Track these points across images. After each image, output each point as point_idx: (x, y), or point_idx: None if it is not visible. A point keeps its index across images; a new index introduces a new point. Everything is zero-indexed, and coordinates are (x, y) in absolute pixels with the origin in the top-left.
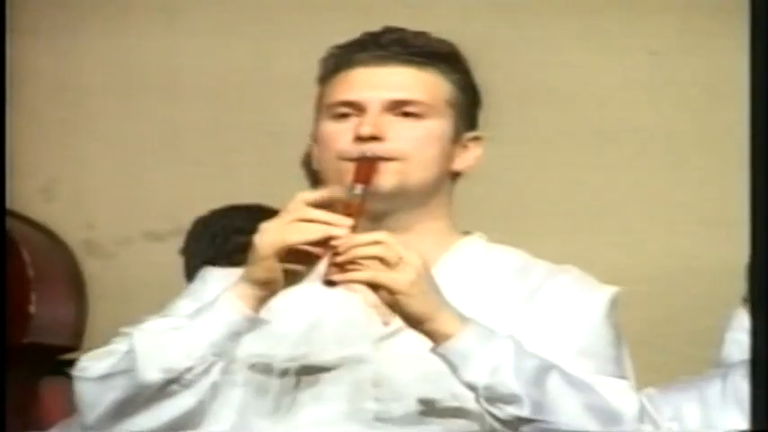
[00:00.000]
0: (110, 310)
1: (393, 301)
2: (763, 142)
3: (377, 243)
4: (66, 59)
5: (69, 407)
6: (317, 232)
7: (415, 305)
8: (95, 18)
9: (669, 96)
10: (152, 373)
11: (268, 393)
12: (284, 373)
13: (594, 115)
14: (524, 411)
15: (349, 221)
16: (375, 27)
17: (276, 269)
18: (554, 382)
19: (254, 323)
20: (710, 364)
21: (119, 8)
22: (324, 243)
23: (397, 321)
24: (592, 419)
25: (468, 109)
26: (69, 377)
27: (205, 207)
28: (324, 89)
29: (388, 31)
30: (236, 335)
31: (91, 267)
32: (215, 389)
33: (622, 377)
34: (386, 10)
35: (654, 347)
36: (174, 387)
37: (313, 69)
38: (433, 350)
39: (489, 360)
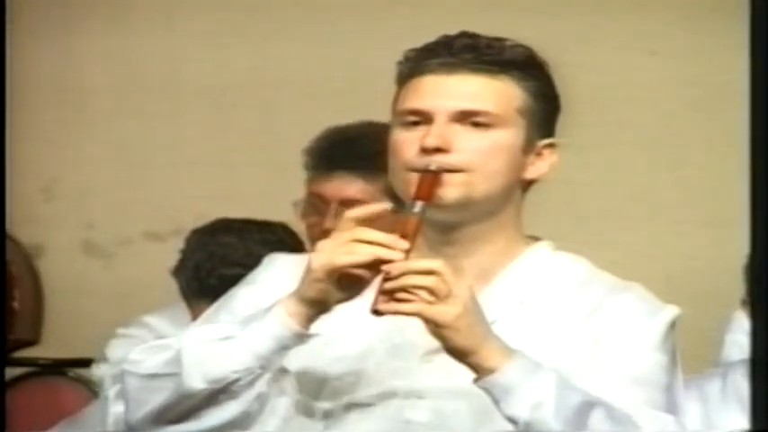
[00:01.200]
0: (110, 310)
1: (438, 335)
2: (763, 142)
3: (430, 273)
4: (66, 59)
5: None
6: (368, 255)
7: (460, 339)
8: (95, 18)
9: (669, 96)
10: (196, 382)
11: (314, 413)
12: (332, 395)
13: (594, 115)
14: None
15: (405, 245)
16: (374, 27)
17: (327, 291)
18: (596, 420)
19: (302, 339)
20: (711, 364)
21: (119, 8)
22: (376, 265)
23: (439, 349)
24: None
25: (542, 116)
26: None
27: (205, 207)
28: (398, 95)
29: (461, 36)
30: (283, 349)
31: (91, 267)
32: (261, 399)
33: (672, 407)
34: (385, 10)
35: None
36: (220, 397)
37: (313, 69)
38: (476, 382)
39: (531, 395)
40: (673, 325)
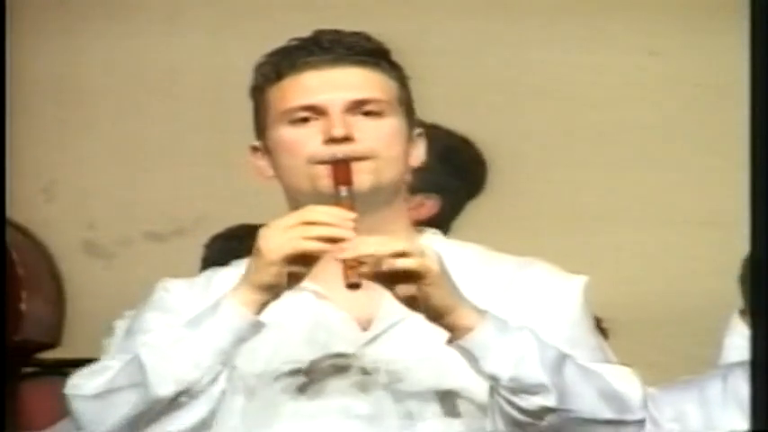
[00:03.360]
0: (110, 311)
1: (419, 294)
2: (763, 142)
3: (396, 241)
4: (66, 59)
5: (63, 406)
6: (322, 235)
7: (440, 296)
8: (95, 18)
9: (669, 96)
10: (165, 387)
11: (261, 400)
12: (275, 379)
13: (594, 115)
14: (551, 401)
15: (352, 215)
16: (374, 27)
17: (282, 273)
18: (571, 371)
19: (257, 328)
20: (711, 365)
21: (119, 8)
22: (331, 243)
23: (376, 326)
24: (605, 407)
25: (410, 106)
26: (64, 376)
27: (205, 207)
28: (271, 96)
29: (324, 33)
30: (241, 341)
31: (91, 267)
32: (222, 397)
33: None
34: (385, 9)
35: (654, 347)
36: (183, 399)
37: None
38: (453, 343)
39: (513, 351)
40: (587, 291)
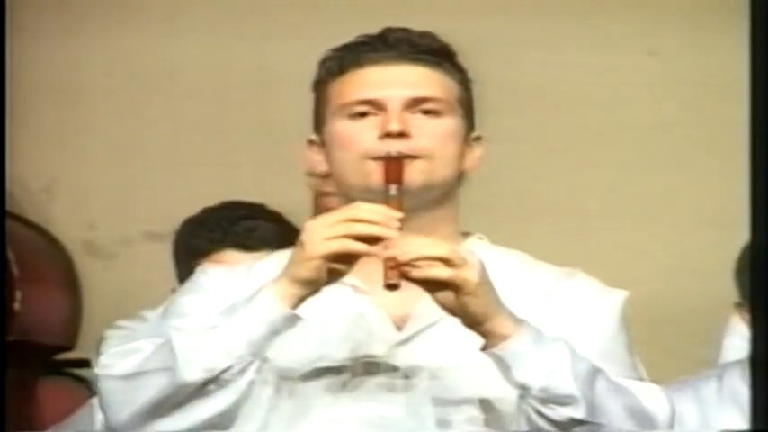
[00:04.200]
0: (110, 311)
1: (457, 302)
2: (763, 142)
3: (439, 245)
4: (66, 59)
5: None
6: (365, 234)
7: (480, 305)
8: (95, 18)
9: (669, 96)
10: (193, 373)
11: (292, 394)
12: (307, 376)
13: (594, 115)
14: (580, 413)
15: (398, 215)
16: (374, 27)
17: (323, 269)
18: (601, 385)
19: (292, 322)
20: (711, 365)
21: (119, 8)
22: (373, 242)
23: (411, 326)
24: (633, 422)
25: (471, 107)
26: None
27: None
28: (331, 90)
29: (392, 30)
30: (274, 334)
31: (91, 267)
32: (250, 388)
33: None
34: (385, 9)
35: (654, 347)
36: (212, 387)
37: (313, 69)
38: (488, 350)
39: (545, 361)
40: (626, 307)
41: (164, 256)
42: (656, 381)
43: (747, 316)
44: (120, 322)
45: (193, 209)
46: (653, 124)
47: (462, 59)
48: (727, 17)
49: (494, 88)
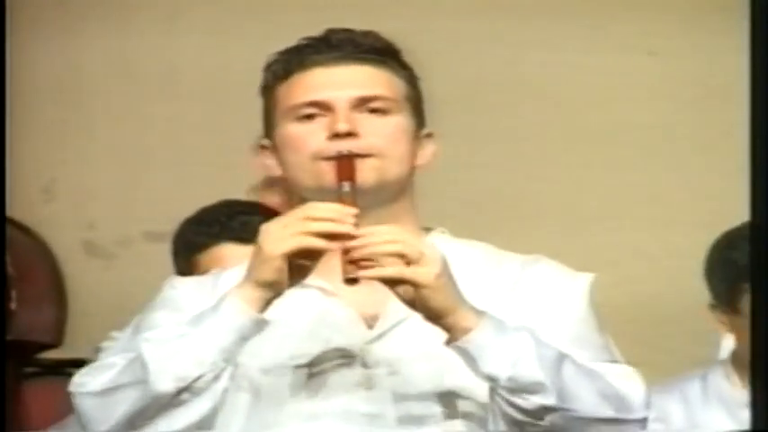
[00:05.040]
0: (110, 311)
1: (416, 296)
2: (763, 142)
3: (395, 241)
4: (66, 59)
5: (64, 407)
6: (322, 231)
7: (439, 299)
8: (95, 18)
9: (669, 96)
10: (165, 383)
11: (266, 396)
12: (279, 375)
13: (594, 115)
14: (550, 399)
15: (353, 211)
16: (375, 27)
17: (284, 269)
18: (569, 371)
19: (261, 326)
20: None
21: (119, 8)
22: (333, 238)
23: (382, 324)
24: (606, 406)
25: (418, 104)
26: (65, 376)
27: None
28: (279, 94)
29: (334, 31)
30: (244, 339)
31: (91, 267)
32: (225, 395)
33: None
34: (385, 9)
35: (654, 347)
36: (185, 396)
37: None
38: (452, 344)
39: (510, 351)
40: (593, 289)
41: (164, 256)
42: (656, 381)
43: (723, 317)
44: (115, 333)
45: (193, 209)
46: (653, 124)
47: (462, 59)
48: (727, 17)
49: (493, 88)
